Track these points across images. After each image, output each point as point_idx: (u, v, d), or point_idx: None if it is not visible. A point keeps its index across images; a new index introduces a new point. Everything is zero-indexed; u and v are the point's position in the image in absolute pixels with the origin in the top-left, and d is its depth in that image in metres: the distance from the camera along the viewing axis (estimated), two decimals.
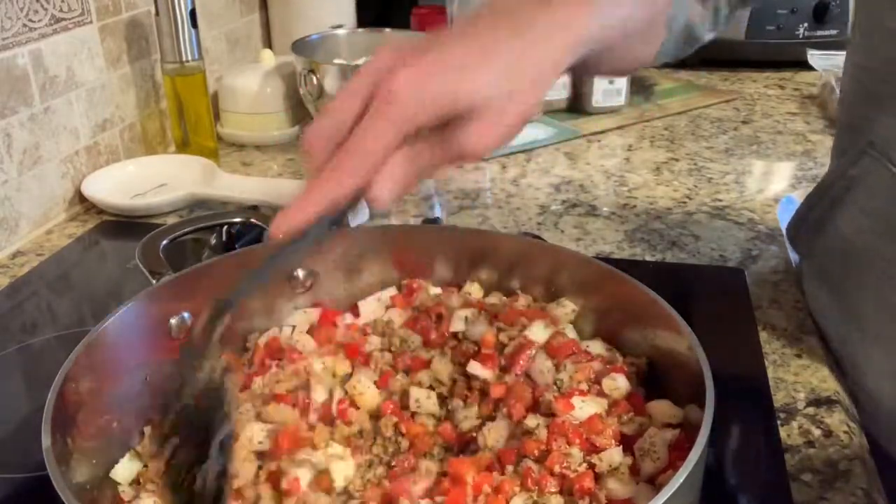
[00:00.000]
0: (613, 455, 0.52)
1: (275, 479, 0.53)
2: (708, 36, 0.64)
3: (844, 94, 0.75)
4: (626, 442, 0.54)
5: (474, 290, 0.70)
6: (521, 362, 0.60)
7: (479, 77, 0.45)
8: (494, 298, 0.69)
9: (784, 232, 0.89)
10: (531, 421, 0.55)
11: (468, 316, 0.65)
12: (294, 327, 0.68)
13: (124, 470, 0.55)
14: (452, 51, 0.46)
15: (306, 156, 0.47)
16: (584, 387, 0.58)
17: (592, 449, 0.53)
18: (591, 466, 0.52)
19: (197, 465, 0.46)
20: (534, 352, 0.60)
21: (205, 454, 0.46)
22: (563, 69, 0.49)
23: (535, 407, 0.57)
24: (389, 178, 0.46)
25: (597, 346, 0.63)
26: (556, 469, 0.51)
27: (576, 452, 0.52)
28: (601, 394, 0.57)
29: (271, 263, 0.48)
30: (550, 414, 0.55)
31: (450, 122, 0.45)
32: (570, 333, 0.64)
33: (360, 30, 1.36)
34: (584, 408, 0.55)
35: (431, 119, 0.45)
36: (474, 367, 0.60)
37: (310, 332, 0.67)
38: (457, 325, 0.65)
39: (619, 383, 0.57)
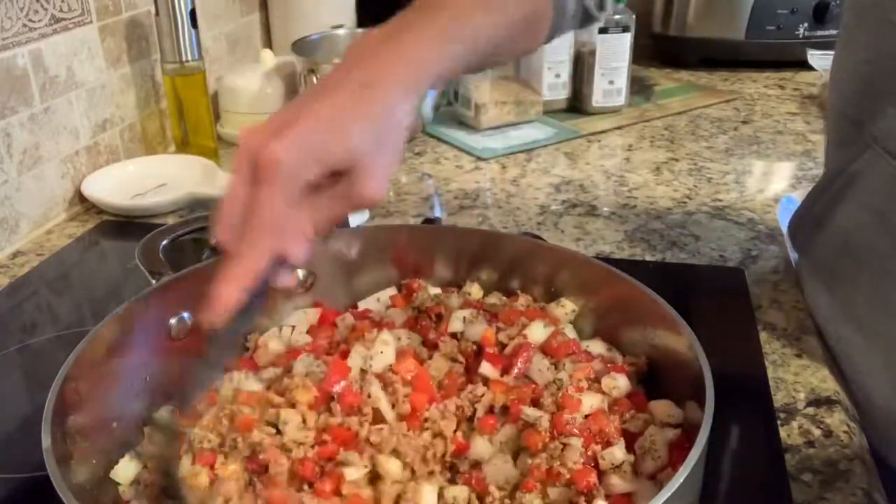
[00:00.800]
0: (616, 452, 0.52)
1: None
2: (600, 15, 0.68)
3: (841, 86, 0.74)
4: (630, 439, 0.54)
5: (474, 290, 0.70)
6: (521, 362, 0.60)
7: (348, 133, 0.47)
8: (494, 298, 0.69)
9: (784, 232, 0.89)
10: (533, 412, 0.55)
11: (466, 316, 0.65)
12: (294, 327, 0.68)
13: (124, 470, 0.55)
14: (317, 112, 0.48)
15: (225, 252, 0.49)
16: (583, 385, 0.58)
17: (596, 442, 0.53)
18: (595, 464, 0.52)
19: None
20: (533, 352, 0.60)
21: None
22: (421, 101, 0.52)
23: (535, 406, 0.57)
24: (301, 236, 0.48)
25: (597, 346, 0.63)
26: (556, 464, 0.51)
27: (575, 441, 0.52)
28: (601, 392, 0.57)
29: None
30: (552, 411, 0.55)
31: (342, 174, 0.48)
32: (570, 333, 0.64)
33: (360, 30, 1.36)
34: (588, 402, 0.55)
35: (317, 175, 0.47)
36: (486, 369, 0.60)
37: (310, 332, 0.67)
38: (455, 325, 0.65)
39: (618, 382, 0.57)
